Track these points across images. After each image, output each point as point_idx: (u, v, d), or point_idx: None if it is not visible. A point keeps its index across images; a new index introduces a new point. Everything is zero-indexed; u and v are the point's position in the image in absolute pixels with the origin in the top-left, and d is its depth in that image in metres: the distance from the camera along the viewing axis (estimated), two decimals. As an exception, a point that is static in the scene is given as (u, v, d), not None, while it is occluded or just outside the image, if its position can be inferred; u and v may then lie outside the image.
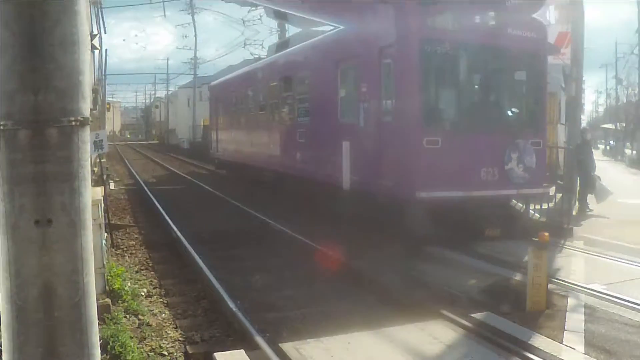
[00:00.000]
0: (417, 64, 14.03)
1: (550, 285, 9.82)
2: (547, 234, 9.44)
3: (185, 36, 76.59)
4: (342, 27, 18.37)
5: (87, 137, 3.64)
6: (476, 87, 15.52)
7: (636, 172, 44.65)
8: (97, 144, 11.39)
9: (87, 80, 3.61)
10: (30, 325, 3.64)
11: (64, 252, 3.62)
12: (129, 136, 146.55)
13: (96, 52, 27.41)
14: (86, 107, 3.62)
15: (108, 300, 9.16)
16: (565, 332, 8.23)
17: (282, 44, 26.27)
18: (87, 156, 3.66)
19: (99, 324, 4.11)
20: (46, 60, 3.42)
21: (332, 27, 19.21)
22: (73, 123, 3.51)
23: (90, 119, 3.61)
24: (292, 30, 42.26)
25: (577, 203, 20.11)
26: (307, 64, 20.53)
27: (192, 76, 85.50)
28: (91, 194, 3.83)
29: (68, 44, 3.48)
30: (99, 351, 4.03)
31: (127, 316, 9.36)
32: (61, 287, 3.64)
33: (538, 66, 15.66)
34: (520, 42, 14.91)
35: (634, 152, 58.17)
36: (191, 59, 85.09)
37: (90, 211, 3.79)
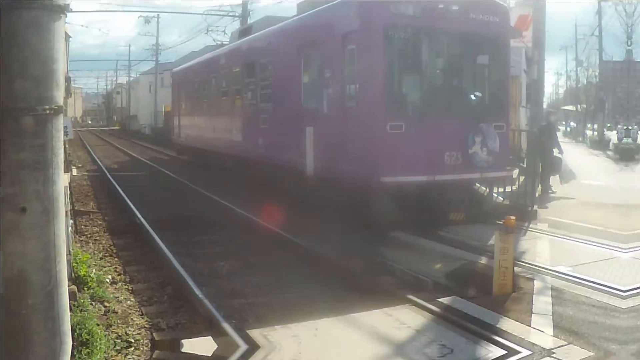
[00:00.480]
0: (381, 50, 14.04)
1: (516, 269, 9.86)
2: (513, 217, 9.51)
3: (148, 22, 75.50)
4: (305, 14, 18.36)
5: (60, 125, 3.64)
6: (439, 72, 15.55)
7: (598, 153, 45.12)
8: (61, 131, 11.30)
9: (61, 68, 3.61)
10: (4, 313, 3.64)
11: (38, 240, 3.62)
12: (90, 122, 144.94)
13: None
14: (60, 95, 3.61)
15: (74, 287, 9.09)
16: (532, 314, 8.27)
17: (245, 31, 26.16)
18: (60, 144, 3.66)
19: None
20: (22, 47, 3.41)
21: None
22: (48, 111, 3.51)
23: (64, 107, 3.61)
24: (254, 16, 42.26)
25: (539, 185, 20.32)
26: (270, 50, 20.45)
27: (154, 62, 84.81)
28: (63, 181, 3.83)
29: (43, 32, 3.47)
30: (70, 339, 4.04)
31: (93, 303, 9.29)
32: (35, 275, 3.65)
33: (500, 50, 15.76)
34: (482, 26, 14.98)
35: (595, 133, 58.76)
36: (153, 45, 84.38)
37: (63, 199, 3.79)
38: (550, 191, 20.14)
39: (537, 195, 18.73)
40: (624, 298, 8.93)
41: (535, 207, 15.74)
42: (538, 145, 19.35)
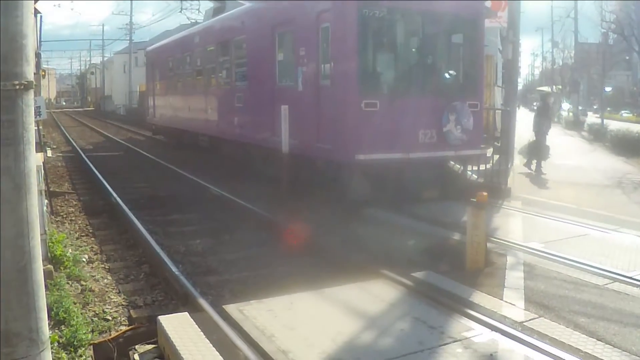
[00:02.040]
0: (355, 28, 14.04)
1: (489, 245, 9.96)
2: (485, 193, 9.60)
3: (122, -1, 75.31)
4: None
5: (31, 100, 3.65)
6: (414, 50, 15.58)
7: (573, 134, 45.42)
8: (35, 111, 11.24)
9: (31, 43, 3.61)
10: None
11: (9, 216, 3.63)
12: (64, 103, 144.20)
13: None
14: (30, 70, 3.62)
15: (50, 266, 9.11)
16: (504, 289, 8.38)
17: (219, 9, 26.08)
18: (31, 119, 3.67)
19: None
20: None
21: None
22: (17, 87, 3.52)
23: (34, 82, 3.62)
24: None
25: (533, 165, 20.61)
26: (244, 28, 20.40)
27: (128, 42, 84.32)
28: (35, 158, 3.84)
29: (10, 7, 3.48)
30: (46, 314, 4.07)
31: (70, 282, 9.33)
32: (7, 251, 3.66)
33: (475, 29, 15.83)
34: (457, 6, 15.05)
35: (570, 114, 59.09)
36: (127, 24, 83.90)
37: (35, 175, 3.80)
38: (542, 173, 20.43)
39: (532, 169, 19.14)
40: (593, 274, 9.06)
41: (509, 185, 15.88)
42: (536, 126, 19.69)
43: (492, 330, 6.86)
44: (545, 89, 72.94)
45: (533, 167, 21.09)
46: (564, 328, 6.99)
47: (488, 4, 20.47)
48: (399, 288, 8.44)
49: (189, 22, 35.40)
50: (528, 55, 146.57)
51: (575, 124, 50.87)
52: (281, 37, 17.58)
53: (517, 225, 12.39)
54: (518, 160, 22.12)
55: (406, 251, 10.72)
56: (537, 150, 21.18)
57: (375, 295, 8.12)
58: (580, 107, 57.13)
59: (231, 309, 7.57)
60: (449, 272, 9.39)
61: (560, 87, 73.85)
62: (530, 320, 7.23)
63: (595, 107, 60.89)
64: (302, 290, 8.30)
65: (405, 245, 11.09)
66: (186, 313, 7.27)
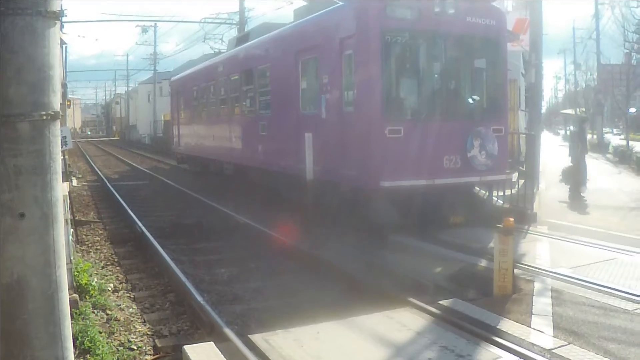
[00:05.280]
0: (378, 54, 14.05)
1: (516, 270, 9.90)
2: (511, 219, 9.53)
3: (146, 31, 75.86)
4: (302, 20, 18.40)
5: (58, 130, 3.67)
6: (437, 75, 15.54)
7: (597, 156, 45.12)
8: (61, 140, 11.32)
9: (57, 74, 3.64)
10: (5, 318, 3.66)
11: (37, 245, 3.64)
12: (89, 133, 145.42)
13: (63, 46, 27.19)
14: (57, 100, 3.64)
15: (76, 295, 9.13)
16: (532, 315, 8.31)
17: (242, 38, 26.21)
18: (58, 150, 3.68)
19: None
20: (17, 54, 3.45)
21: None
22: (44, 117, 3.54)
23: (60, 113, 3.64)
24: (251, 24, 42.35)
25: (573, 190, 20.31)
26: (267, 56, 20.49)
27: (152, 72, 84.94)
28: (62, 188, 3.85)
29: (37, 38, 3.51)
30: (72, 344, 4.06)
31: (95, 311, 9.34)
32: (35, 280, 3.67)
33: (498, 53, 15.75)
34: (479, 29, 15.01)
35: (595, 137, 58.75)
36: (151, 54, 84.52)
37: (62, 204, 3.82)
38: (582, 196, 20.14)
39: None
40: (622, 299, 8.96)
41: (535, 210, 15.76)
42: (577, 151, 19.52)
43: (520, 358, 6.79)
44: (570, 111, 72.59)
45: (582, 192, 20.55)
46: (593, 355, 6.91)
47: (510, 27, 20.45)
48: (426, 316, 8.37)
49: (212, 52, 35.67)
50: (551, 78, 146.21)
51: (599, 146, 50.52)
52: (304, 65, 17.62)
53: (544, 251, 12.26)
54: (544, 185, 21.95)
55: (433, 278, 10.63)
56: (574, 175, 20.88)
57: (402, 323, 8.06)
58: (614, 130, 56.47)
59: (257, 338, 7.54)
60: (476, 299, 9.33)
61: (584, 109, 73.40)
62: (559, 347, 7.15)
63: (616, 130, 60.33)
64: (328, 319, 8.26)
65: (431, 272, 11.02)
66: (212, 342, 7.25)
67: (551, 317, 8.22)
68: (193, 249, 14.01)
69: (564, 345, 7.20)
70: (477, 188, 15.94)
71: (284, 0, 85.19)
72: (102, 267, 12.46)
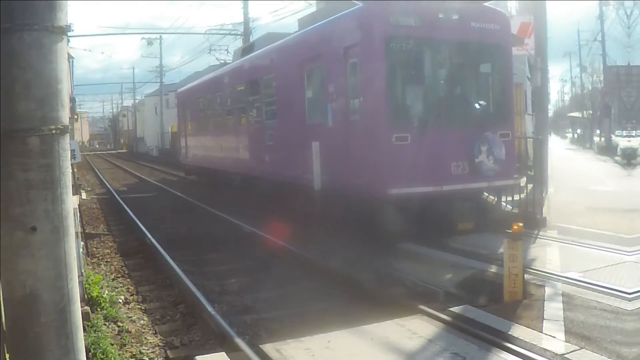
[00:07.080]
0: (383, 62, 14.06)
1: (526, 276, 9.86)
2: (521, 224, 9.51)
3: (151, 44, 75.99)
4: (306, 29, 18.44)
5: (67, 144, 3.70)
6: (442, 81, 15.55)
7: (605, 159, 45.01)
8: (70, 154, 11.37)
9: (66, 88, 3.67)
10: (18, 331, 3.69)
11: (49, 258, 3.67)
12: (97, 146, 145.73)
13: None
14: (65, 115, 3.67)
15: (87, 308, 9.15)
16: (544, 321, 8.28)
17: (247, 48, 26.27)
18: (67, 163, 3.72)
19: (79, 332, 4.15)
20: (25, 69, 3.48)
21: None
22: (54, 131, 3.57)
23: (69, 127, 3.66)
24: (256, 34, 42.42)
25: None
26: (272, 66, 20.53)
27: (159, 84, 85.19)
28: (72, 201, 3.88)
29: (45, 52, 3.54)
30: (85, 356, 4.08)
31: (107, 323, 9.36)
32: (46, 293, 3.69)
33: (503, 58, 15.72)
34: (484, 34, 15.00)
35: (602, 139, 58.55)
36: (157, 66, 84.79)
37: (72, 217, 3.84)
38: None
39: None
40: (630, 300, 8.95)
41: (544, 214, 15.71)
42: None
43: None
44: (577, 114, 72.43)
45: None
46: (606, 359, 6.89)
47: (514, 31, 20.42)
48: (437, 323, 8.37)
49: (218, 63, 35.75)
50: (557, 81, 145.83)
51: (607, 149, 50.39)
52: (310, 74, 17.65)
53: (554, 255, 12.20)
54: (552, 189, 21.88)
55: (443, 285, 10.61)
56: None
57: (413, 331, 8.06)
58: (623, 132, 56.10)
59: (268, 348, 7.55)
60: (487, 306, 9.33)
61: (590, 112, 73.10)
62: (571, 352, 7.13)
63: (624, 131, 60.16)
64: (339, 328, 8.26)
65: (441, 279, 10.99)
66: (223, 353, 7.27)
67: (562, 322, 8.19)
68: (202, 259, 14.02)
69: (576, 350, 7.19)
70: (485, 194, 15.90)
71: (288, 0, 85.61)
72: (113, 280, 12.47)
